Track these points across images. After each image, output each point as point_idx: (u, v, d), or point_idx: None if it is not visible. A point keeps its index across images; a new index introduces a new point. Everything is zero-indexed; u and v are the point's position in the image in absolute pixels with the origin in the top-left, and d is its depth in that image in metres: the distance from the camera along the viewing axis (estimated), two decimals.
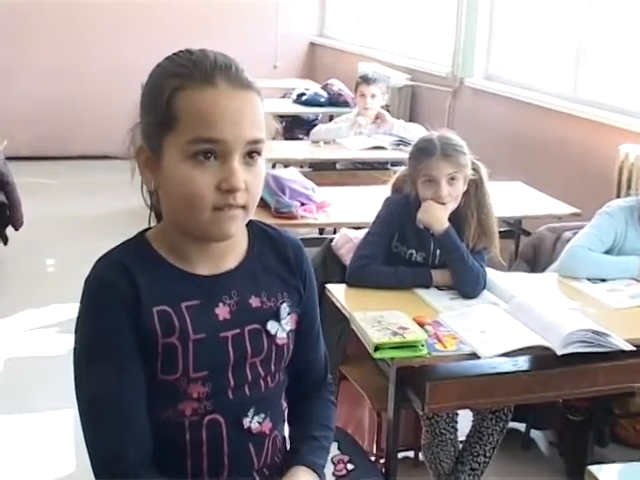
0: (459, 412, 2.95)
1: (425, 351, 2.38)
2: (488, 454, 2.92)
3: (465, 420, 3.01)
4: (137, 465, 1.45)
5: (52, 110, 8.34)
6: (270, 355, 1.56)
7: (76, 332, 1.48)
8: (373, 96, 5.54)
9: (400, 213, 2.90)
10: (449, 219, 2.84)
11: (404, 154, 4.82)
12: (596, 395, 2.89)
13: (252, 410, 1.54)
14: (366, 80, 5.59)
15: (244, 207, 1.43)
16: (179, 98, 1.40)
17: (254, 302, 1.54)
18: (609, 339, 2.49)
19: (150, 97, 1.47)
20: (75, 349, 1.49)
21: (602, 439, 3.47)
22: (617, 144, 4.37)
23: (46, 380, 3.95)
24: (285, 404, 1.67)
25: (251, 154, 1.43)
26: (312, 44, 9.08)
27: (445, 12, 6.52)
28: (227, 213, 1.41)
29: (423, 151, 2.87)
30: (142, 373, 1.46)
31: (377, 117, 5.57)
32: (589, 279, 3.06)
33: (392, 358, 2.39)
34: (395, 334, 2.40)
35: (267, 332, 1.55)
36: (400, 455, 3.03)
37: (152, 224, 1.59)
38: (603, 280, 3.05)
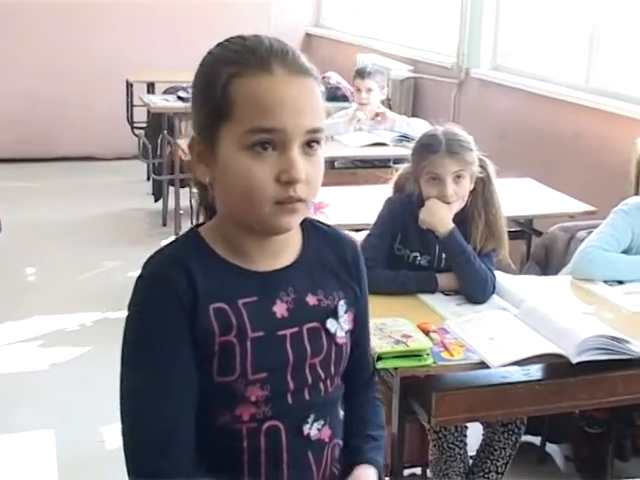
0: (468, 425, 2.95)
1: (430, 360, 2.37)
2: (500, 470, 2.91)
3: (475, 434, 3.00)
4: (178, 461, 1.45)
5: (33, 110, 8.34)
6: (330, 355, 1.57)
7: (125, 332, 1.48)
8: (369, 90, 5.53)
9: (402, 214, 2.90)
10: (454, 220, 2.83)
11: (407, 150, 4.80)
12: (615, 405, 2.88)
13: (312, 416, 1.55)
14: (360, 74, 5.57)
15: (304, 200, 1.44)
16: (235, 85, 1.41)
17: (311, 300, 1.56)
18: (628, 345, 2.47)
19: (204, 86, 1.47)
20: (123, 350, 1.48)
21: (623, 453, 3.47)
22: (634, 137, 4.36)
23: (26, 399, 3.95)
24: (342, 412, 1.67)
25: (310, 144, 1.44)
26: (308, 35, 9.08)
27: None
28: (287, 206, 1.43)
29: (427, 147, 2.87)
30: (194, 377, 1.46)
31: (377, 115, 5.55)
32: (605, 281, 3.05)
33: (395, 368, 2.38)
34: (398, 342, 2.39)
35: (327, 330, 1.56)
36: (406, 472, 3.03)
37: (197, 221, 1.61)
38: (620, 282, 3.04)
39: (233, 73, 1.41)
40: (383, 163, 5.28)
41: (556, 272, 3.31)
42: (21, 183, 7.64)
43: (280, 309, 1.51)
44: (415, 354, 2.37)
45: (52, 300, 5.10)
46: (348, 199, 4.10)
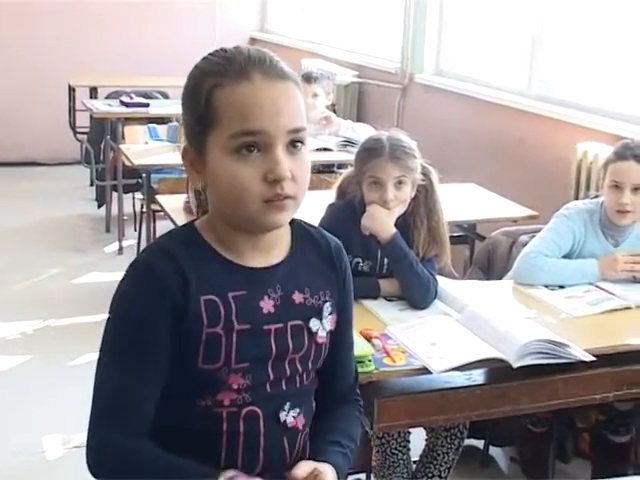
0: (411, 430, 2.95)
1: (372, 366, 2.37)
2: (444, 474, 2.92)
3: (418, 439, 3.01)
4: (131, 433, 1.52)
5: None
6: (309, 353, 1.65)
7: (110, 312, 1.57)
8: (315, 95, 5.52)
9: (345, 220, 2.89)
10: (396, 225, 2.83)
11: (351, 156, 4.79)
12: (556, 409, 2.90)
13: (288, 404, 1.62)
14: (307, 79, 5.57)
15: (293, 197, 1.51)
16: (217, 95, 1.50)
17: (297, 298, 1.63)
18: (568, 349, 2.50)
19: (189, 98, 1.56)
20: (105, 327, 1.56)
21: (564, 454, 3.50)
22: (575, 142, 4.41)
23: None
24: (314, 403, 1.73)
25: (294, 143, 1.52)
26: (253, 39, 9.05)
27: (393, 4, 6.55)
28: (276, 204, 1.50)
29: (370, 151, 2.87)
30: (164, 368, 1.53)
31: (322, 119, 5.55)
32: (546, 286, 3.08)
33: None
34: None
35: (309, 329, 1.64)
36: (350, 478, 3.02)
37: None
38: (561, 287, 3.08)
39: (215, 84, 1.50)
40: (328, 168, 5.28)
41: (499, 277, 3.33)
42: None
43: (267, 305, 1.59)
44: (357, 360, 2.35)
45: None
46: None
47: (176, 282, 1.52)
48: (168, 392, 1.56)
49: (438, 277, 2.90)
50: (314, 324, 1.65)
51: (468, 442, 3.09)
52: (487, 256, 3.60)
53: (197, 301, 1.53)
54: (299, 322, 1.63)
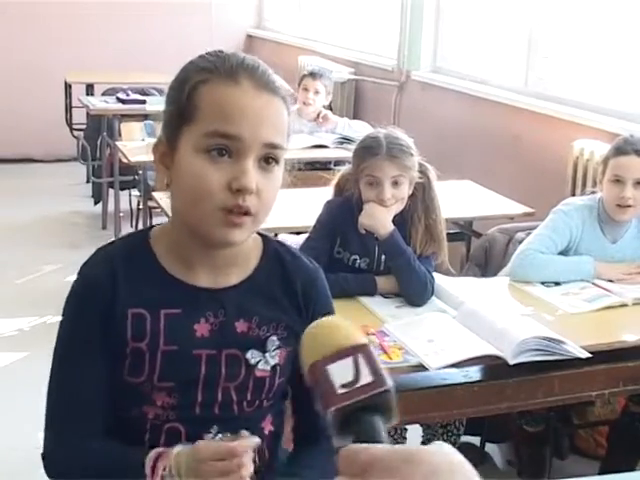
0: (408, 427, 2.96)
1: None
2: None
3: (415, 435, 3.02)
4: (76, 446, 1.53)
5: None
6: (247, 384, 1.57)
7: (62, 316, 1.57)
8: (316, 92, 5.54)
9: (342, 217, 2.90)
10: (394, 222, 2.84)
11: (348, 153, 4.81)
12: (552, 405, 2.91)
13: (216, 427, 1.56)
14: (312, 74, 5.60)
15: (253, 215, 1.45)
16: (201, 90, 1.47)
17: (241, 326, 1.56)
18: (564, 346, 2.51)
19: (174, 89, 1.53)
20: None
21: (561, 451, 3.51)
22: (571, 139, 4.42)
23: None
24: (270, 428, 1.64)
25: (268, 159, 1.47)
26: (249, 36, 9.06)
27: (389, 1, 6.54)
28: (233, 217, 1.44)
29: (367, 150, 2.87)
30: (104, 374, 1.53)
31: (319, 116, 5.56)
32: (542, 283, 3.08)
33: None
34: None
35: (246, 361, 1.56)
36: None
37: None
38: (557, 283, 3.08)
39: (202, 79, 1.47)
40: (324, 165, 5.28)
41: (495, 274, 3.33)
42: None
43: (202, 328, 1.53)
44: None
45: None
46: (287, 202, 4.05)
47: (105, 289, 1.50)
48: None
49: (435, 274, 2.91)
50: (252, 355, 1.56)
51: (464, 439, 3.09)
52: (484, 253, 3.61)
53: (124, 313, 1.50)
54: (235, 351, 1.56)
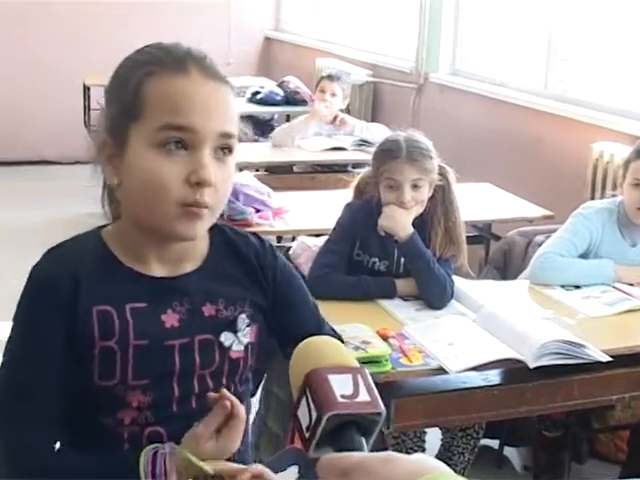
0: (427, 430, 2.95)
1: (389, 366, 2.38)
2: (459, 474, 2.91)
3: (434, 438, 3.01)
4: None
5: None
6: (222, 368, 1.53)
7: (13, 320, 1.48)
8: (333, 94, 5.53)
9: (362, 219, 2.90)
10: (413, 224, 2.84)
11: (366, 155, 4.82)
12: (572, 409, 2.90)
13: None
14: (329, 77, 5.60)
15: (211, 207, 1.42)
16: (148, 84, 1.41)
17: (208, 310, 1.52)
18: (585, 350, 2.50)
19: (116, 86, 1.47)
20: (9, 336, 1.49)
21: (580, 455, 3.49)
22: (590, 142, 4.41)
23: None
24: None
25: (222, 149, 1.43)
26: (267, 39, 9.07)
27: (408, 3, 6.54)
28: (193, 211, 1.40)
29: (387, 153, 2.87)
30: (63, 376, 1.45)
31: (336, 119, 5.55)
32: (562, 286, 3.07)
33: None
34: (357, 349, 2.39)
35: (220, 344, 1.52)
36: None
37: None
38: (577, 287, 3.07)
39: (148, 72, 1.42)
40: (342, 168, 5.29)
41: (514, 277, 3.33)
42: None
43: (170, 319, 1.49)
44: (374, 360, 2.37)
45: (1, 306, 5.02)
46: (307, 204, 4.10)
47: (65, 289, 1.44)
48: (71, 408, 1.47)
49: (454, 277, 2.90)
50: (226, 338, 1.53)
51: (482, 442, 3.08)
52: (503, 256, 3.60)
53: (88, 311, 1.44)
54: (208, 336, 1.51)
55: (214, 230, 1.56)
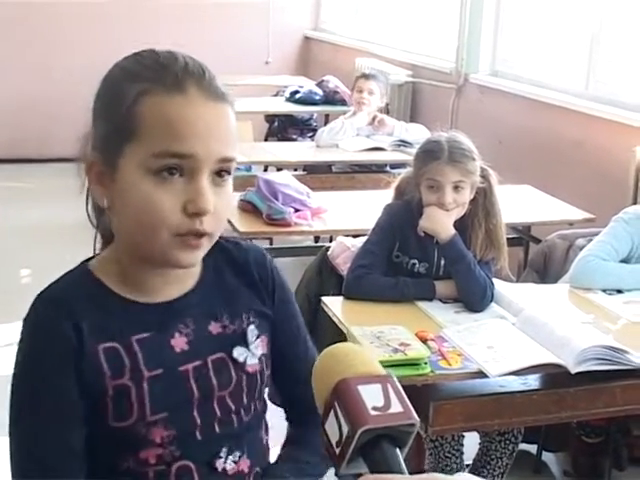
0: (465, 434, 2.93)
1: (428, 369, 2.37)
2: (497, 479, 2.90)
3: (472, 443, 2.99)
4: None
5: (25, 111, 8.26)
6: (240, 386, 1.46)
7: (13, 378, 1.39)
8: (371, 92, 5.54)
9: (401, 220, 2.89)
10: (454, 226, 2.82)
11: (405, 156, 4.81)
12: (613, 416, 2.87)
13: (225, 450, 1.43)
14: (365, 75, 5.64)
15: (210, 235, 1.34)
16: (144, 104, 1.31)
17: (215, 328, 1.45)
18: (627, 356, 2.47)
19: (108, 102, 1.37)
20: (11, 394, 1.39)
21: (620, 462, 3.46)
22: (633, 145, 4.35)
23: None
24: (266, 436, 1.55)
25: (221, 173, 1.34)
26: (307, 38, 9.07)
27: (449, 3, 6.52)
28: (191, 241, 1.32)
29: (429, 154, 2.86)
30: (81, 429, 1.37)
31: (375, 120, 5.54)
32: (604, 290, 3.05)
33: None
34: (396, 351, 2.38)
35: (234, 360, 1.45)
36: None
37: (97, 246, 1.52)
38: (619, 291, 3.04)
39: (143, 90, 1.32)
40: (380, 168, 5.29)
41: (555, 280, 3.30)
42: (14, 184, 7.59)
43: (179, 342, 1.41)
44: (413, 363, 2.36)
45: None
46: (346, 204, 4.09)
47: (68, 333, 1.34)
48: (89, 455, 1.38)
49: (494, 280, 2.88)
50: (239, 353, 1.45)
51: (521, 447, 3.05)
52: (543, 259, 3.57)
53: (95, 352, 1.35)
54: (220, 355, 1.44)
55: None
